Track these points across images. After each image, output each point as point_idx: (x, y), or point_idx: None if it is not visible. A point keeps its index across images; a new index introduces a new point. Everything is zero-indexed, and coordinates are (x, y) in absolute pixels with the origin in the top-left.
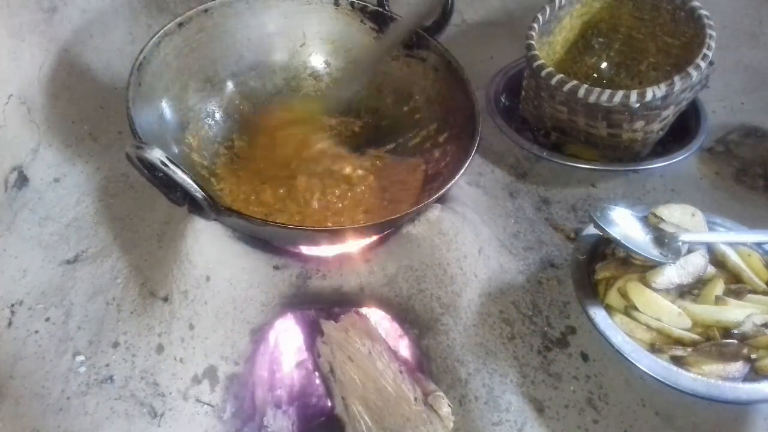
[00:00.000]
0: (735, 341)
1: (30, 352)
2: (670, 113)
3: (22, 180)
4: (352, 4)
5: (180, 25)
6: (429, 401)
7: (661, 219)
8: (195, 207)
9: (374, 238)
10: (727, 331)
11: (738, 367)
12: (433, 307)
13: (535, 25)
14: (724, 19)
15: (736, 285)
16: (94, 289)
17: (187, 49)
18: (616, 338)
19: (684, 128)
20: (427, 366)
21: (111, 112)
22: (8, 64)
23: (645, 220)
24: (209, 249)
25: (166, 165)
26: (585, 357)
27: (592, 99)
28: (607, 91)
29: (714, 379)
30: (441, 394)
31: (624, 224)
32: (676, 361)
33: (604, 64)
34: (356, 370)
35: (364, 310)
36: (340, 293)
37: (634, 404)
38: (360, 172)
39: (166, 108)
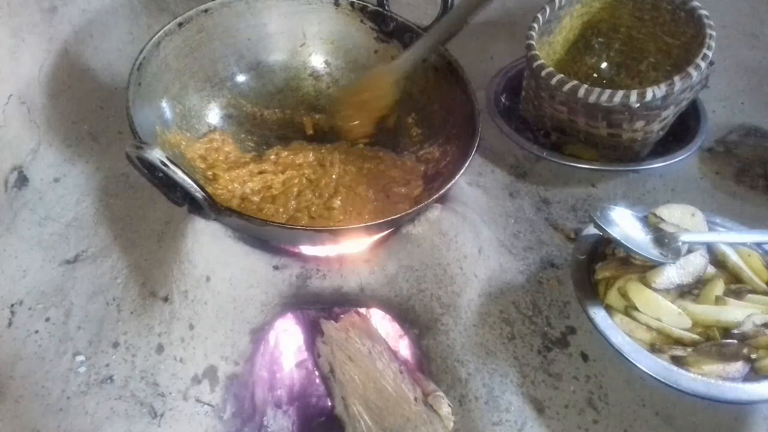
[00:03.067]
0: (735, 341)
1: (30, 352)
2: (670, 113)
3: (22, 180)
4: (352, 4)
5: (180, 25)
6: (429, 401)
7: (661, 219)
8: (195, 207)
9: (374, 238)
10: (727, 331)
11: (738, 367)
12: (433, 307)
13: (535, 25)
14: (724, 19)
15: (736, 285)
16: (94, 289)
17: (187, 49)
18: (616, 338)
19: (684, 128)
20: (427, 366)
21: (111, 112)
22: (8, 64)
23: (645, 220)
24: (209, 249)
25: (166, 165)
26: (585, 357)
27: (592, 99)
28: (607, 91)
29: (714, 379)
30: (441, 394)
31: (624, 224)
32: (676, 361)
33: (604, 64)
34: (356, 370)
35: (363, 310)
36: (340, 293)
37: (634, 404)
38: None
39: (166, 108)
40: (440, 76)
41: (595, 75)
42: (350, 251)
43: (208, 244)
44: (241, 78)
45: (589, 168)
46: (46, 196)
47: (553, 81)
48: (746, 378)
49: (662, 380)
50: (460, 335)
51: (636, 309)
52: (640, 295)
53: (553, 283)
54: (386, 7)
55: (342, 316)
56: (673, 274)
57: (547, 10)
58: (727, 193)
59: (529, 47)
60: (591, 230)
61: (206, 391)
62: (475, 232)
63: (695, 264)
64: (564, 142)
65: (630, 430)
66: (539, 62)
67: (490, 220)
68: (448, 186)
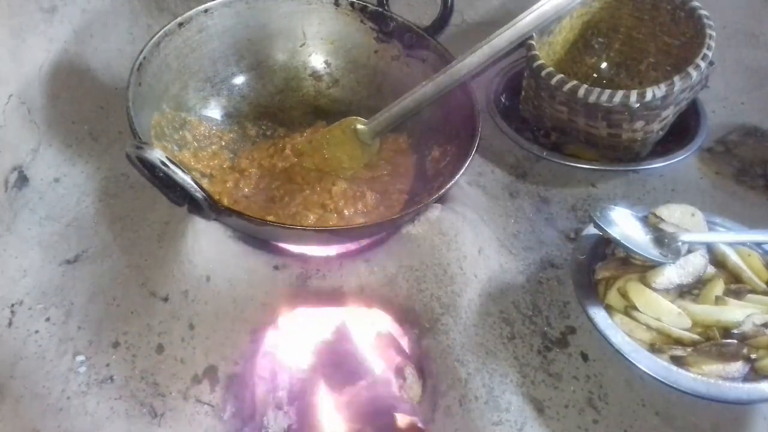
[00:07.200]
0: (735, 341)
1: (30, 352)
2: (670, 113)
3: (22, 180)
4: (352, 4)
5: (180, 25)
6: None
7: (661, 219)
8: (195, 207)
9: (374, 238)
10: (727, 331)
11: (738, 367)
12: (433, 307)
13: None
14: (724, 19)
15: (736, 285)
16: (94, 289)
17: (187, 49)
18: (616, 338)
19: (684, 128)
20: (427, 366)
21: (111, 112)
22: (8, 64)
23: (645, 220)
24: (209, 249)
25: (166, 165)
26: (585, 357)
27: (592, 99)
28: (607, 91)
29: (714, 379)
30: None
31: (624, 224)
32: (676, 361)
33: (604, 64)
34: None
35: (363, 311)
36: (340, 293)
37: (634, 404)
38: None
39: (166, 108)
40: None
41: (595, 75)
42: (350, 251)
43: (208, 244)
44: (241, 78)
45: (589, 168)
46: (46, 196)
47: (553, 81)
48: (746, 378)
49: (662, 380)
50: (460, 335)
51: (636, 309)
52: (640, 295)
53: (553, 283)
54: (386, 7)
55: None
56: (673, 274)
57: None
58: (727, 193)
59: (529, 47)
60: (591, 230)
61: (206, 391)
62: (475, 232)
63: (695, 264)
64: (564, 142)
65: (630, 430)
66: (539, 62)
67: (490, 220)
68: (448, 186)
